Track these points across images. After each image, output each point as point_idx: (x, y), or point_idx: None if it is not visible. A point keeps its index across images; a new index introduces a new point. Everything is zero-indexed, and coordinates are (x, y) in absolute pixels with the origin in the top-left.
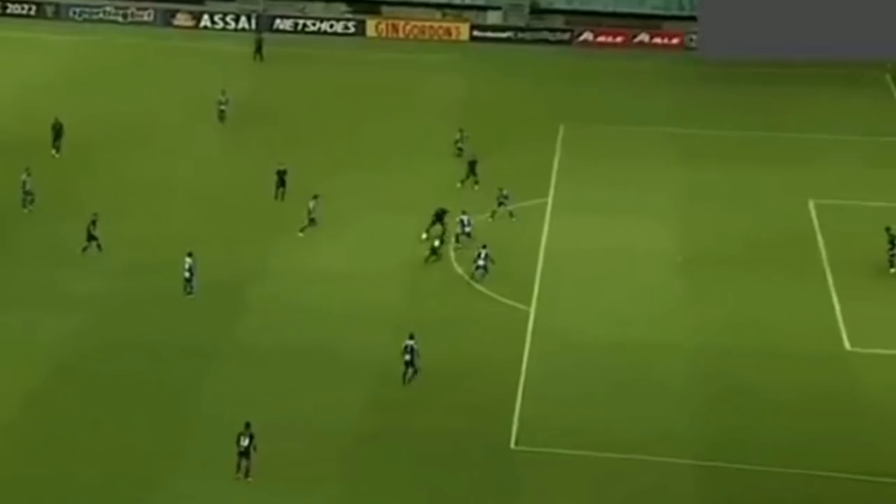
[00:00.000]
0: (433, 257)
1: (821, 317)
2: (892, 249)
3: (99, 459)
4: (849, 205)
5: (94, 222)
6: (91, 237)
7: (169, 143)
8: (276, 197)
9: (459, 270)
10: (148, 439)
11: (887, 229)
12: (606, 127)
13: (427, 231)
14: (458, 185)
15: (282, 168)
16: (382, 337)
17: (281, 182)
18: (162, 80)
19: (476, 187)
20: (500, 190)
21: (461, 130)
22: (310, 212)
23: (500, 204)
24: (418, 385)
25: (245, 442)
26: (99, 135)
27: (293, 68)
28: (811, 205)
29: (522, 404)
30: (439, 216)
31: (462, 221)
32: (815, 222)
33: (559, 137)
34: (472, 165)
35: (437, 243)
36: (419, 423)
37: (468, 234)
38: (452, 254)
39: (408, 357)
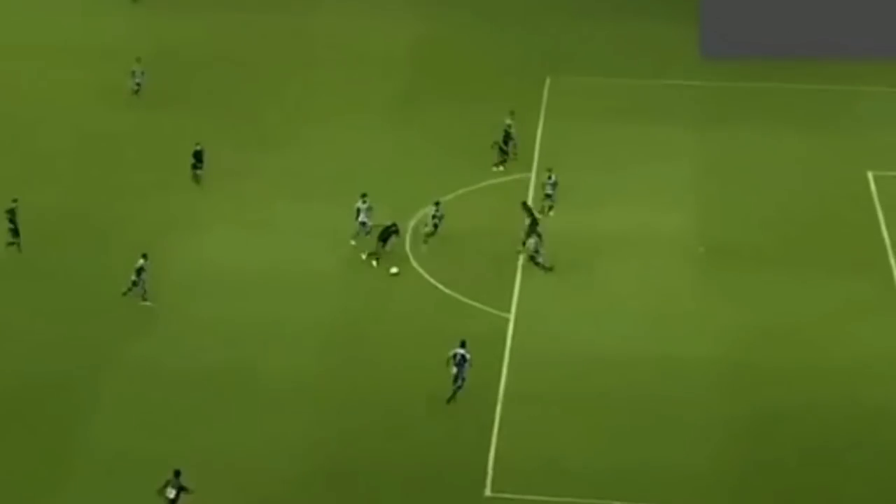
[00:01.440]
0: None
1: (886, 323)
2: None
3: None
4: None
5: (12, 211)
6: (13, 231)
7: (49, 114)
8: (194, 181)
9: (421, 270)
10: (26, 475)
11: None
12: (605, 80)
13: (372, 253)
14: (498, 168)
15: (198, 148)
16: (318, 352)
17: (197, 163)
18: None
19: (501, 168)
20: (549, 173)
21: (512, 113)
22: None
23: (548, 195)
24: (365, 413)
25: (171, 495)
26: None
27: (202, 12)
28: (870, 178)
29: (499, 437)
30: (386, 236)
31: (435, 215)
32: (876, 200)
33: (544, 94)
34: (506, 137)
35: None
36: (369, 462)
37: (435, 228)
38: (409, 250)
39: (455, 370)
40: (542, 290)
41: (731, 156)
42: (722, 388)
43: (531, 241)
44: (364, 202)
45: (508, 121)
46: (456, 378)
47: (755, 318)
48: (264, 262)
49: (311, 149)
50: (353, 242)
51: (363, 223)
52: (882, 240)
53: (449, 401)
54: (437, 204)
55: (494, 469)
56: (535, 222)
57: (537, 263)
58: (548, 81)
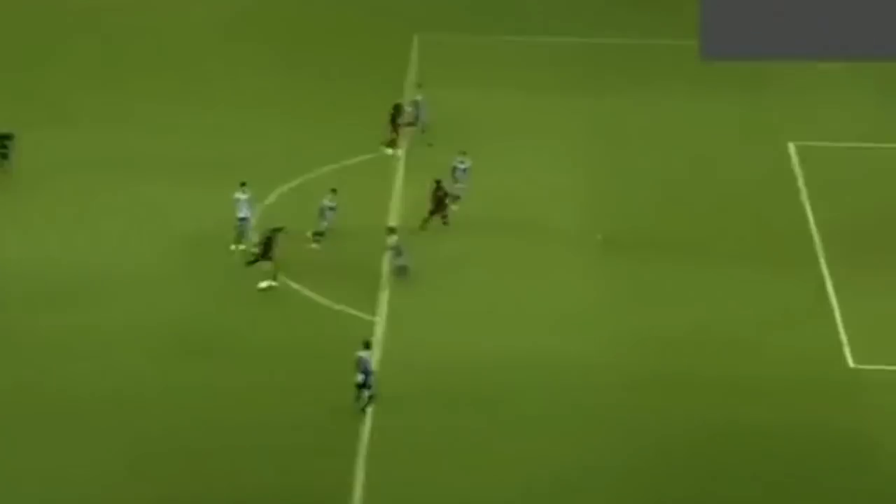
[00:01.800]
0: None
1: (811, 319)
2: None
3: None
4: (849, 149)
5: None
6: None
7: None
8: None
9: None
10: None
11: None
12: (483, 38)
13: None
14: (388, 150)
15: (2, 133)
16: (157, 364)
17: (2, 152)
18: None
19: (397, 151)
20: (462, 157)
21: (419, 86)
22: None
23: (457, 181)
24: (209, 433)
25: None
26: None
27: None
28: (792, 150)
29: (368, 467)
30: (268, 243)
31: (332, 207)
32: (799, 176)
33: (412, 56)
34: (394, 113)
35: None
36: (208, 490)
37: (323, 233)
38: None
39: (361, 377)
40: (415, 288)
41: (631, 126)
42: (621, 397)
43: (393, 239)
44: (244, 193)
45: (418, 97)
46: (364, 385)
47: (659, 318)
48: (94, 264)
49: (145, 129)
50: (233, 248)
51: (244, 218)
52: (808, 223)
53: (364, 409)
54: (333, 191)
55: (364, 499)
56: (443, 211)
57: (399, 268)
58: (416, 40)
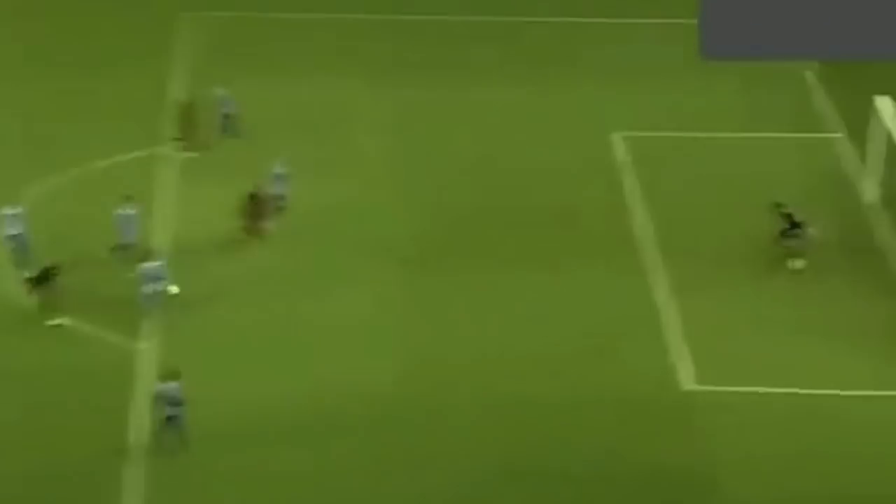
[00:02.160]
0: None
1: (639, 332)
2: (788, 233)
3: None
4: (678, 139)
5: None
6: None
7: None
8: None
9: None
10: None
11: (777, 206)
12: (263, 15)
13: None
14: (177, 149)
15: None
16: None
17: None
18: None
19: (191, 154)
20: (280, 163)
21: (222, 83)
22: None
23: (279, 196)
24: None
25: None
26: None
27: None
28: (616, 140)
29: None
30: (42, 277)
31: (123, 217)
32: (625, 170)
33: (178, 39)
34: (183, 110)
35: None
36: None
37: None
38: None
39: (169, 410)
40: (187, 306)
41: (428, 117)
42: (430, 427)
43: (151, 263)
44: (13, 208)
45: (220, 91)
46: (174, 418)
47: (470, 336)
48: None
49: None
50: (27, 274)
51: (16, 235)
52: (635, 223)
53: (184, 442)
54: (128, 198)
55: None
56: (257, 222)
57: (153, 294)
58: (182, 19)
